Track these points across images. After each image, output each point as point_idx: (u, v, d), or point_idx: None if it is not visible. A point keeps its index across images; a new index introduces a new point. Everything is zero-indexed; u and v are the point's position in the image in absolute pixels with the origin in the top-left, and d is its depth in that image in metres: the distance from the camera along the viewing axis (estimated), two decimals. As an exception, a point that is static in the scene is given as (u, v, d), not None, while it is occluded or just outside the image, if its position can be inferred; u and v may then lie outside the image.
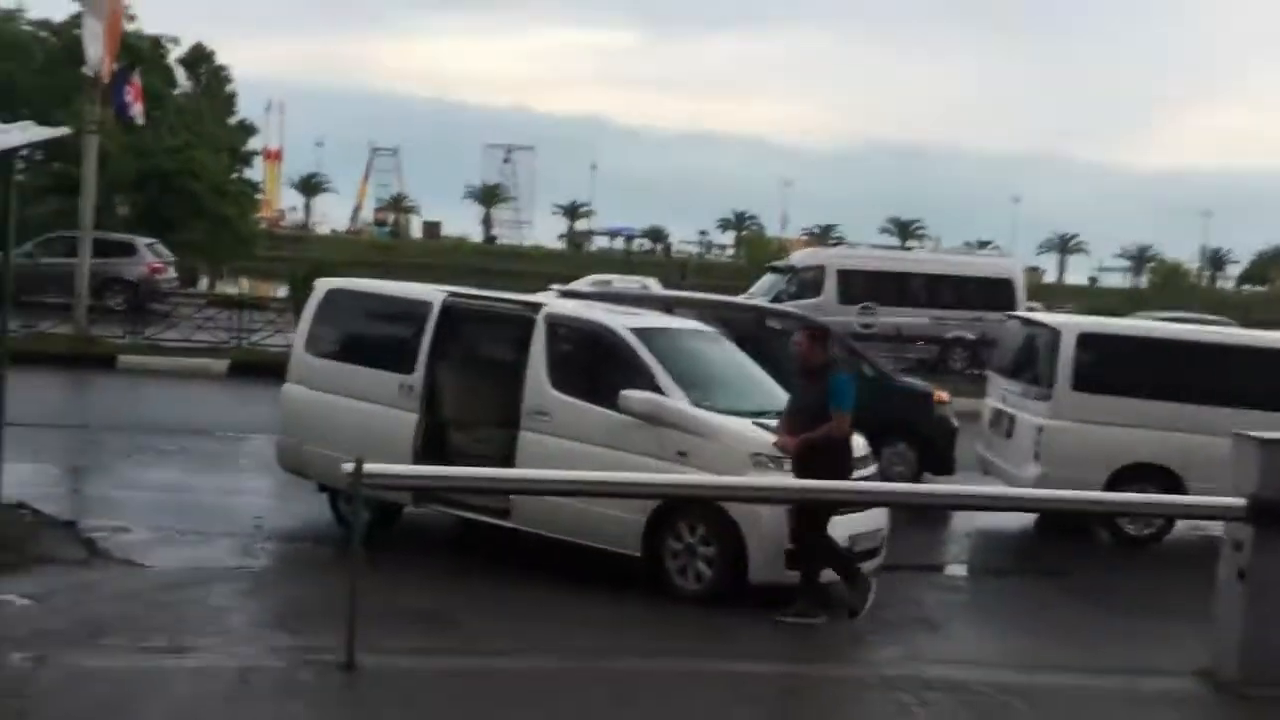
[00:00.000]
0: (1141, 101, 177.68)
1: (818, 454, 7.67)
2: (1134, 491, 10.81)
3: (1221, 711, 6.44)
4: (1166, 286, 67.43)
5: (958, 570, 10.69)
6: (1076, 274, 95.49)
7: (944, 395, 13.37)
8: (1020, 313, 14.98)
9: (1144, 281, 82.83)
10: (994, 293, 25.57)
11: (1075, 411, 11.02)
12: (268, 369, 14.27)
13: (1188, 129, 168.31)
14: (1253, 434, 6.61)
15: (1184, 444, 10.86)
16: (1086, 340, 11.19)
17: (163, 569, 8.33)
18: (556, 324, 8.99)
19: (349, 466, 5.94)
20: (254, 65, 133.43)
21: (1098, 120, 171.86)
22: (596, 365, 8.93)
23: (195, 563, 8.55)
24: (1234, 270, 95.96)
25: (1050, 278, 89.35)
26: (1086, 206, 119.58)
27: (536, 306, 9.24)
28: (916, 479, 12.74)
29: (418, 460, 8.82)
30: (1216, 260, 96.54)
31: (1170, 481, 10.82)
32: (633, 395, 8.29)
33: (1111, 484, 10.85)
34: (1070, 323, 11.80)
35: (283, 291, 30.25)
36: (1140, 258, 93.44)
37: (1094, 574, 10.22)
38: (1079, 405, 11.02)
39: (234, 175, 45.18)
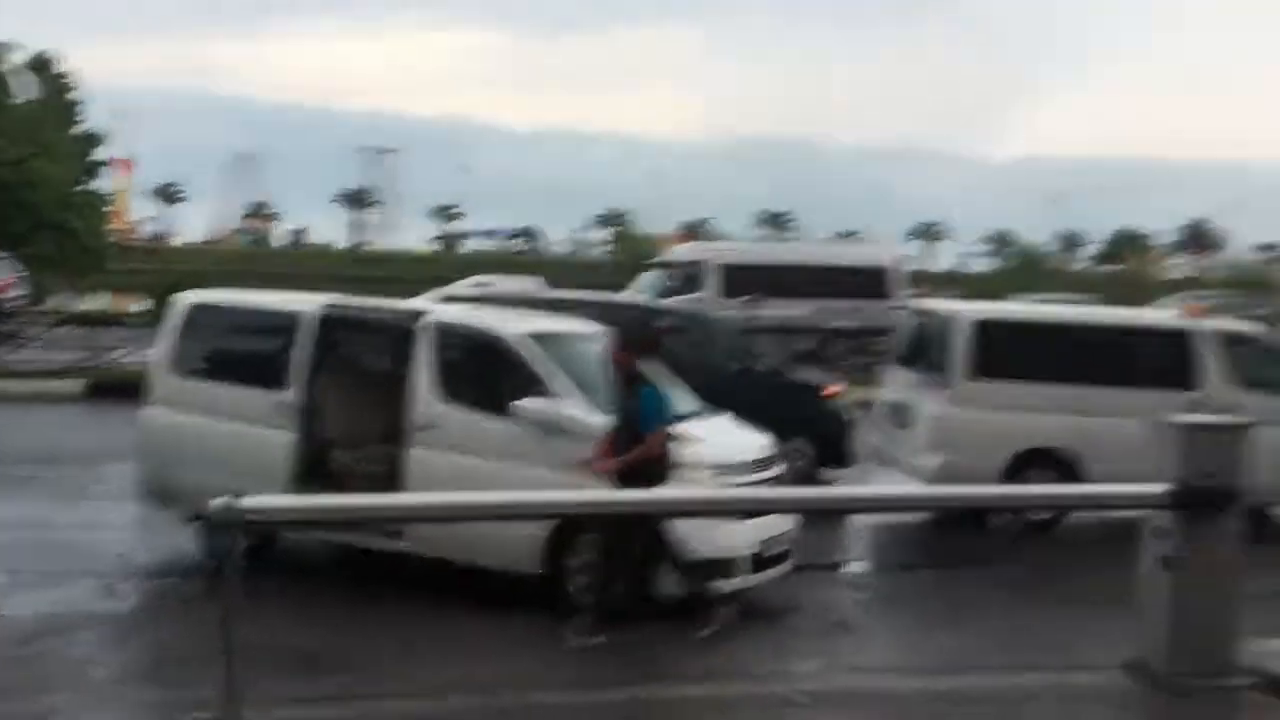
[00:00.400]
0: (997, 94, 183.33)
1: (637, 475, 7.12)
2: (1033, 476, 10.84)
3: (1157, 705, 6.26)
4: (1026, 270, 69.40)
5: (863, 567, 10.45)
6: (942, 260, 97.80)
7: (838, 388, 13.21)
8: (913, 301, 14.96)
9: (1005, 265, 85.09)
10: (870, 281, 25.86)
11: (974, 399, 10.93)
12: (129, 389, 13.30)
13: (1041, 119, 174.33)
14: (1175, 418, 6.44)
15: (1081, 427, 10.86)
16: (983, 327, 11.11)
17: (16, 617, 7.54)
18: (443, 332, 8.46)
19: (221, 502, 5.31)
20: (106, 73, 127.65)
21: (956, 113, 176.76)
22: (488, 374, 8.44)
23: (54, 608, 7.77)
24: (1087, 252, 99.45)
25: (917, 264, 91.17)
26: (948, 195, 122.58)
27: (420, 314, 8.70)
28: (814, 474, 12.58)
29: (296, 483, 8.23)
30: (1070, 243, 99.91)
31: (1067, 465, 10.83)
32: (528, 404, 7.85)
33: (1011, 470, 10.82)
34: (966, 310, 11.72)
35: (141, 306, 28.80)
36: (1001, 242, 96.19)
37: (999, 563, 10.09)
38: (977, 393, 10.93)
39: (80, 186, 42.95)
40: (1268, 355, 11.80)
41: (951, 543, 10.69)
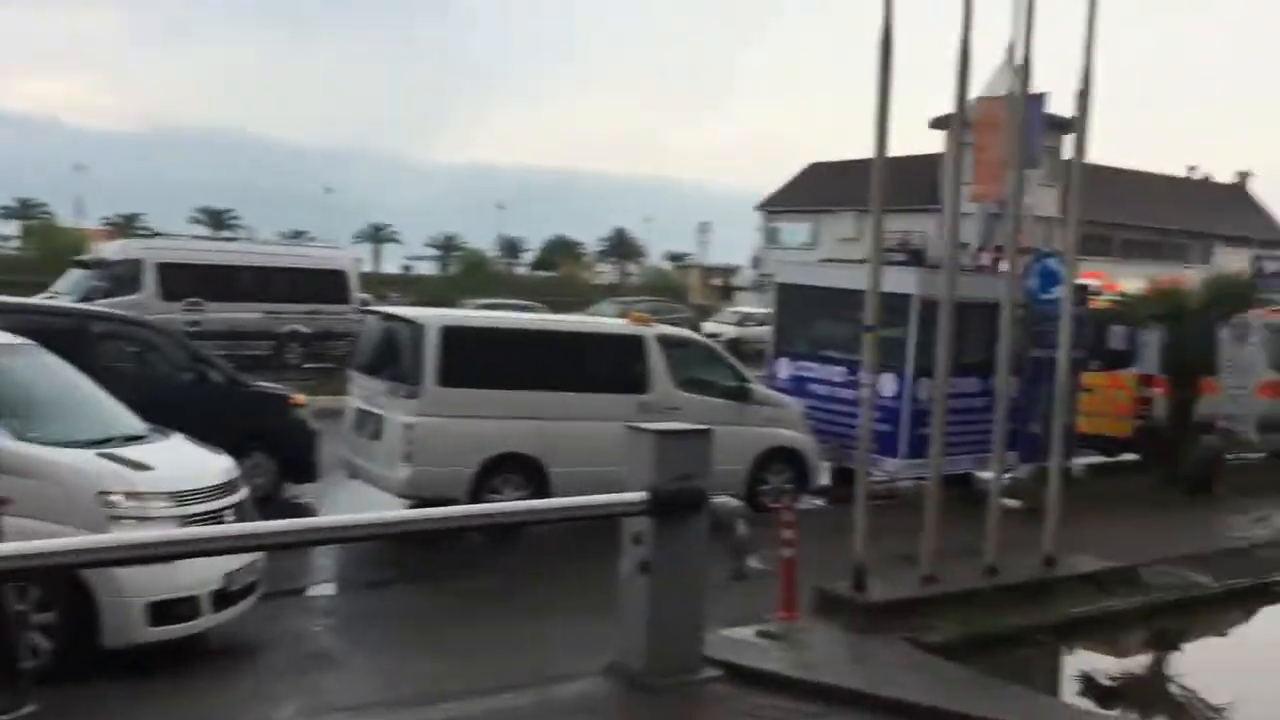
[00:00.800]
0: (442, 100, 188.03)
1: None
2: (502, 481, 10.98)
3: (634, 706, 6.44)
4: (473, 274, 71.71)
5: (332, 589, 9.89)
6: (390, 263, 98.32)
7: (301, 398, 12.53)
8: (374, 306, 14.59)
9: (452, 269, 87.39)
10: (327, 284, 25.23)
11: (443, 407, 10.82)
12: None
13: (483, 127, 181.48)
14: (647, 427, 6.67)
15: (543, 431, 11.15)
16: (449, 334, 11.01)
17: None
18: None
19: None
20: None
21: (404, 117, 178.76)
22: None
23: None
24: (526, 258, 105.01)
25: (367, 267, 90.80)
26: (396, 198, 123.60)
27: None
28: (277, 490, 11.84)
29: None
30: (512, 249, 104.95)
31: (534, 468, 11.08)
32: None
33: (481, 477, 10.88)
34: (432, 317, 11.55)
35: None
36: (447, 247, 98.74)
37: (470, 573, 10.04)
38: (446, 400, 10.83)
39: None
40: (700, 358, 12.91)
41: (420, 554, 10.47)
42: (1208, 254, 55.62)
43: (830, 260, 24.39)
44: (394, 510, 10.14)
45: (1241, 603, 10.54)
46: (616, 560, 6.67)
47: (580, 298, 47.95)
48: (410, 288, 54.96)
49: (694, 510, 6.46)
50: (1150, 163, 49.27)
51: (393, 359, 11.41)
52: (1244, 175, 67.55)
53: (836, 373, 13.56)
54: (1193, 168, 64.97)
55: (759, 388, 12.91)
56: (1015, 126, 10.52)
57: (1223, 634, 10.33)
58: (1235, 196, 65.33)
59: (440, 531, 10.36)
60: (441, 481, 10.64)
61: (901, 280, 12.47)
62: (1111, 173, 44.69)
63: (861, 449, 8.51)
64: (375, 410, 11.26)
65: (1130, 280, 20.53)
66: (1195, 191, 61.86)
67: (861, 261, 10.01)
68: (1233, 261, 40.13)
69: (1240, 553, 11.88)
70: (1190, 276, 20.62)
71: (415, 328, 11.14)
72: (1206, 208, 60.17)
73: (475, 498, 10.70)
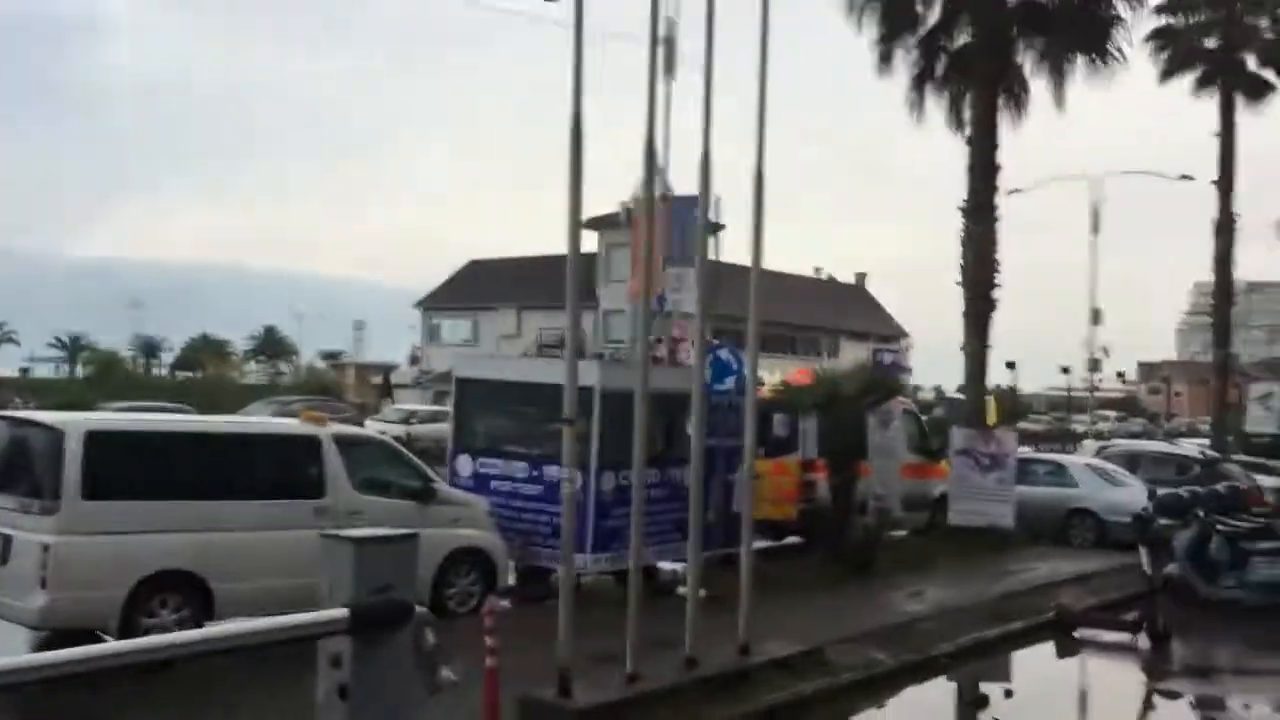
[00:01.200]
0: (65, 191, 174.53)
1: None
2: (158, 603, 9.82)
3: None
4: (106, 375, 66.20)
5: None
6: (7, 366, 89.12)
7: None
8: (7, 412, 12.83)
9: (81, 371, 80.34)
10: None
11: (88, 522, 9.56)
12: None
13: (113, 220, 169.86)
14: (345, 534, 6.07)
15: (206, 544, 10.08)
16: (95, 439, 9.77)
17: None
18: None
19: None
20: None
21: (18, 208, 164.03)
22: None
23: None
24: (168, 358, 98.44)
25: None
26: (8, 295, 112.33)
27: None
28: None
29: None
30: (150, 349, 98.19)
31: (197, 586, 9.99)
32: None
33: (134, 599, 9.68)
34: (75, 421, 10.24)
35: None
36: (74, 347, 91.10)
37: (127, 716, 8.78)
38: (91, 514, 9.58)
39: None
40: (380, 458, 12.21)
41: (62, 698, 9.07)
42: (836, 348, 60.46)
43: (524, 355, 24.28)
44: (24, 653, 8.77)
45: (913, 676, 11.05)
46: (300, 687, 5.97)
47: (230, 399, 45.20)
48: (35, 392, 49.75)
49: (399, 625, 5.90)
50: (780, 264, 53.02)
51: (24, 471, 10.02)
52: (861, 276, 74.49)
53: (519, 468, 13.26)
54: (818, 269, 70.92)
55: (443, 486, 12.37)
56: (688, 225, 10.83)
57: (884, 706, 10.76)
58: (856, 295, 71.71)
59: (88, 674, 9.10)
60: (87, 608, 9.38)
61: (584, 373, 12.40)
62: (747, 272, 47.69)
63: (566, 546, 8.22)
64: (2, 530, 9.78)
65: (773, 372, 21.68)
66: (821, 291, 67.32)
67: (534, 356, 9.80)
68: (857, 354, 43.73)
69: (905, 627, 12.51)
70: (838, 368, 22.08)
71: (53, 434, 9.82)
72: (832, 305, 65.58)
73: (128, 623, 9.49)
